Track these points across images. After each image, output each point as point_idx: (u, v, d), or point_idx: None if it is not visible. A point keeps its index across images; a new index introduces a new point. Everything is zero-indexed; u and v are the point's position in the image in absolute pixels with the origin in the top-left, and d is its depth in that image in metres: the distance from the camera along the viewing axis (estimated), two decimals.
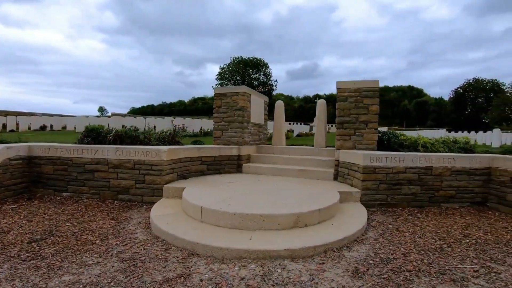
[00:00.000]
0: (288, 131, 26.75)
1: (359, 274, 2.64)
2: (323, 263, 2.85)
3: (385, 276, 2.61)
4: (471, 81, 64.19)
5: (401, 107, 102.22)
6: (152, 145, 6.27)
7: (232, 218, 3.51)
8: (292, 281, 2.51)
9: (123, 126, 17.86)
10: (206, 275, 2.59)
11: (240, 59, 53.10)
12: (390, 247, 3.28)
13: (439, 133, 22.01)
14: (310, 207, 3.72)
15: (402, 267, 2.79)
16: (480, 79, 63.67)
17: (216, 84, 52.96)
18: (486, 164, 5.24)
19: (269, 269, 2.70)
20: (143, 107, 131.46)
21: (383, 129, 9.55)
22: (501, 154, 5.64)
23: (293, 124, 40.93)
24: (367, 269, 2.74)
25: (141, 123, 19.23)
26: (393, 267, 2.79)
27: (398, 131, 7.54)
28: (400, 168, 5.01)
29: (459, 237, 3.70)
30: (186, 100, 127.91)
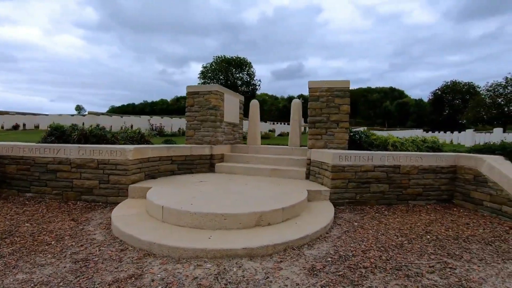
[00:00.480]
0: (270, 130, 26.85)
1: (315, 272, 2.65)
2: (281, 261, 2.85)
3: (340, 273, 2.64)
4: (448, 83, 66.43)
5: (383, 107, 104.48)
6: (119, 144, 6.11)
7: (192, 218, 3.47)
8: (246, 280, 2.50)
9: (97, 125, 17.39)
10: (159, 275, 2.56)
11: (223, 58, 52.81)
12: (352, 245, 3.32)
13: (416, 133, 22.62)
14: (273, 206, 3.72)
15: (359, 264, 2.82)
16: (457, 81, 65.99)
17: (198, 83, 52.47)
18: (451, 163, 5.41)
19: (224, 268, 2.69)
20: (123, 106, 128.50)
21: (363, 128, 9.73)
22: (466, 153, 5.83)
23: (276, 123, 41.08)
24: (324, 267, 2.75)
25: (118, 122, 18.77)
26: (351, 264, 2.81)
27: (376, 131, 7.69)
28: (369, 167, 5.09)
29: (421, 233, 3.80)
30: (169, 99, 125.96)
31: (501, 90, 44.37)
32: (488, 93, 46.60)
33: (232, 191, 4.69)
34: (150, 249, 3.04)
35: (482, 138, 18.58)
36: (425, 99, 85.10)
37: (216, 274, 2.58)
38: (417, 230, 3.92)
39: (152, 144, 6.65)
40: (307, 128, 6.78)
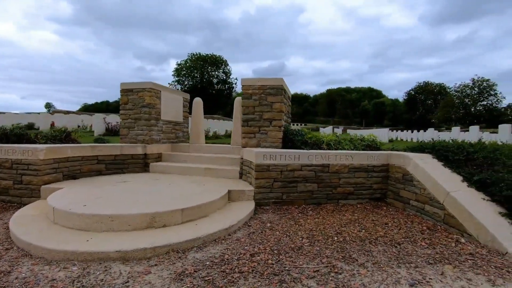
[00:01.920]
0: (228, 130, 26.65)
1: (182, 277, 2.53)
2: (155, 265, 2.73)
3: (208, 278, 2.51)
4: (421, 84, 68.92)
5: (361, 107, 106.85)
6: (40, 143, 5.78)
7: (80, 219, 3.33)
8: (103, 284, 2.41)
9: (51, 125, 16.62)
10: (24, 275, 2.59)
11: (198, 55, 52.14)
12: (246, 247, 3.21)
13: (382, 132, 23.26)
14: (172, 207, 3.57)
15: (237, 268, 2.71)
16: (429, 82, 68.57)
17: (173, 81, 51.59)
18: (384, 161, 5.43)
19: (88, 272, 2.61)
20: (96, 103, 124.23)
21: (300, 127, 9.77)
22: (397, 151, 5.87)
23: None
24: (196, 271, 2.62)
25: (75, 121, 18.04)
26: (227, 269, 2.70)
27: (351, 130, 7.66)
28: (296, 166, 5.03)
29: (330, 234, 3.72)
30: None
31: (468, 91, 46.34)
32: (456, 94, 48.56)
33: (146, 191, 4.50)
34: (28, 249, 3.02)
35: (442, 136, 19.24)
36: (401, 99, 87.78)
37: (76, 277, 2.53)
38: (330, 231, 3.85)
39: (80, 143, 6.34)
40: None
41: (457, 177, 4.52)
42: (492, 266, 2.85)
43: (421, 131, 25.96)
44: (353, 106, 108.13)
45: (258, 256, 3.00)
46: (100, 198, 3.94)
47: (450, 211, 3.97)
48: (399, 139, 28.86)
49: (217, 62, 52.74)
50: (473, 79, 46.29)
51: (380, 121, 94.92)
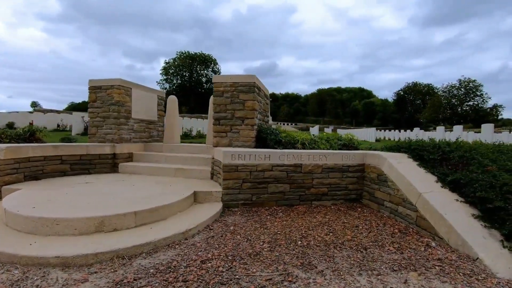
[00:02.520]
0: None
1: (119, 286, 2.34)
2: (95, 273, 2.55)
3: (147, 287, 2.33)
4: (410, 84, 69.87)
5: (351, 107, 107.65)
6: (4, 143, 5.50)
7: (26, 222, 3.16)
8: None
9: (30, 124, 16.14)
10: None
11: (187, 54, 51.63)
12: (200, 253, 3.02)
13: (369, 131, 23.35)
14: (124, 209, 3.37)
15: (182, 277, 2.51)
16: (418, 83, 69.59)
17: (161, 80, 51.01)
18: (359, 161, 5.29)
19: (27, 276, 2.51)
20: (84, 102, 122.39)
21: (275, 125, 9.63)
22: (373, 151, 5.77)
23: None
24: (136, 280, 2.43)
25: (54, 120, 17.57)
26: (172, 277, 2.50)
27: (341, 129, 7.53)
28: (266, 166, 4.87)
29: (295, 238, 3.55)
30: None
31: (455, 92, 47.06)
32: (444, 94, 49.29)
33: (104, 193, 4.30)
34: None
35: (427, 136, 19.37)
36: (391, 100, 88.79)
37: (15, 281, 2.45)
38: (295, 234, 3.67)
39: (45, 142, 6.06)
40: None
41: (432, 177, 4.39)
42: (460, 273, 2.68)
43: (408, 130, 26.17)
44: (344, 106, 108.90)
45: (210, 262, 2.81)
46: (52, 201, 3.72)
47: (422, 213, 3.83)
48: (386, 138, 29.04)
49: (206, 60, 52.32)
50: (460, 80, 47.07)
51: (370, 120, 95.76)
